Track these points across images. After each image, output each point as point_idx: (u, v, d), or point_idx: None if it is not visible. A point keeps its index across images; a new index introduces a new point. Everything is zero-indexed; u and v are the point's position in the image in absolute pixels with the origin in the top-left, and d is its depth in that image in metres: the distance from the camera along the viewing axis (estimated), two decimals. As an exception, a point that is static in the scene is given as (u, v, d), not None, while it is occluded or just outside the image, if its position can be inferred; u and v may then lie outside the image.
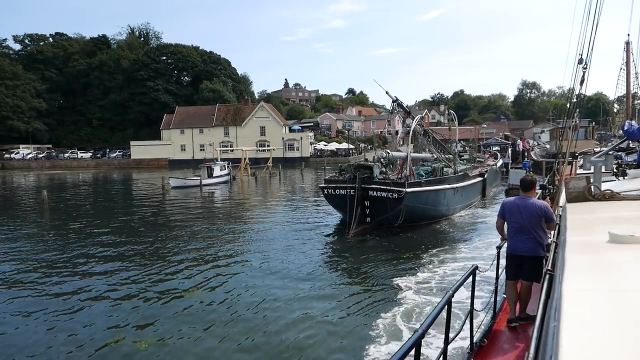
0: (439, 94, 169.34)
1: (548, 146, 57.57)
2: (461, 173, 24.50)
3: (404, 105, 22.92)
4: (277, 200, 33.54)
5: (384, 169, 20.64)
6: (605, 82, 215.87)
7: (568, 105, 16.06)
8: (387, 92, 21.70)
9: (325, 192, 20.38)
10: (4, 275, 14.13)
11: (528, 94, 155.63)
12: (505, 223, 6.17)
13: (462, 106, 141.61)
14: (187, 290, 12.10)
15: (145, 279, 13.36)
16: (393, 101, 22.13)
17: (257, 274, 13.65)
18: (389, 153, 20.63)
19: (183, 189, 41.30)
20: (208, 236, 20.01)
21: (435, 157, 25.66)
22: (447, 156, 27.24)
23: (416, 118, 22.31)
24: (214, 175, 45.49)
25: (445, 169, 23.92)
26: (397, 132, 25.99)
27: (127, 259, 15.87)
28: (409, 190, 18.46)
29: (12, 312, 10.85)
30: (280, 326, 9.57)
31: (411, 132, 21.30)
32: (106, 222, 24.44)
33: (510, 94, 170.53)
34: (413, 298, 11.11)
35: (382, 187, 18.79)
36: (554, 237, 6.22)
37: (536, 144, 75.22)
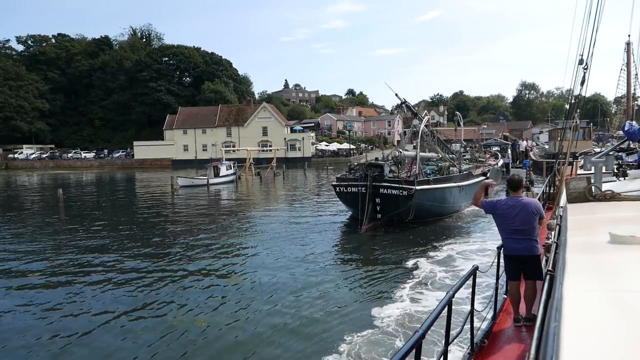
0: (438, 94, 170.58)
1: (547, 147, 58.56)
2: (465, 172, 25.45)
3: (412, 107, 23.85)
4: (285, 199, 34.46)
5: (393, 168, 21.60)
6: (604, 83, 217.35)
7: (568, 106, 16.38)
8: (396, 94, 22.66)
9: (338, 189, 21.31)
10: (53, 266, 15.14)
11: (527, 95, 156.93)
12: (497, 225, 6.13)
13: (461, 107, 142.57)
14: (227, 277, 13.62)
15: (186, 268, 14.55)
16: (402, 103, 23.09)
17: (282, 262, 15.03)
18: (400, 152, 21.57)
19: (191, 188, 42.24)
20: (226, 232, 20.96)
21: (440, 156, 26.65)
22: (451, 156, 28.25)
23: (424, 120, 23.26)
24: (220, 175, 46.43)
25: (450, 168, 24.88)
26: (404, 132, 26.89)
27: (160, 255, 16.69)
28: (418, 187, 19.43)
29: (76, 296, 11.92)
30: (306, 298, 11.46)
31: (420, 133, 22.21)
32: (125, 219, 25.35)
33: (509, 94, 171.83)
34: (429, 271, 13.36)
35: (393, 184, 19.75)
36: (554, 237, 6.33)
37: (535, 144, 76.14)
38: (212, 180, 44.44)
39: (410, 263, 14.41)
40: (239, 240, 19.00)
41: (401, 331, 9.13)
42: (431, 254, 15.50)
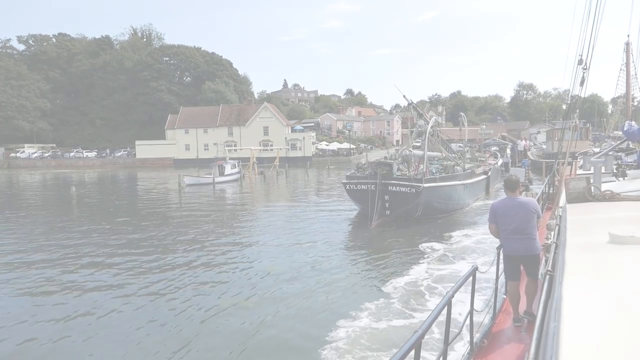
0: (436, 94, 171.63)
1: (544, 146, 59.54)
2: (469, 171, 26.43)
3: (418, 108, 24.81)
4: (290, 197, 35.37)
5: (401, 166, 22.54)
6: (601, 84, 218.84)
7: (566, 106, 16.80)
8: (404, 96, 23.59)
9: (348, 187, 22.24)
10: (87, 258, 16.04)
11: (524, 95, 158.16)
12: (498, 225, 6.13)
13: (459, 107, 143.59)
14: (253, 264, 14.95)
15: (213, 257, 15.72)
16: (409, 104, 24.04)
17: (299, 252, 16.35)
18: (410, 151, 22.49)
19: (197, 186, 43.07)
20: (240, 227, 21.95)
21: (444, 155, 27.62)
22: (453, 155, 29.23)
23: (431, 120, 24.23)
24: (225, 174, 47.26)
25: (454, 167, 25.84)
26: (410, 132, 27.86)
27: (186, 248, 17.50)
28: (426, 185, 20.38)
29: (128, 285, 12.89)
30: (324, 278, 13.08)
31: (427, 133, 23.15)
32: (140, 216, 26.14)
33: (506, 94, 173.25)
34: (439, 255, 15.13)
35: (401, 182, 20.68)
36: (553, 237, 6.35)
37: (532, 144, 77.06)
38: (217, 179, 45.20)
39: (419, 250, 15.84)
40: (256, 234, 20.13)
41: (409, 301, 10.80)
42: (440, 242, 16.86)
